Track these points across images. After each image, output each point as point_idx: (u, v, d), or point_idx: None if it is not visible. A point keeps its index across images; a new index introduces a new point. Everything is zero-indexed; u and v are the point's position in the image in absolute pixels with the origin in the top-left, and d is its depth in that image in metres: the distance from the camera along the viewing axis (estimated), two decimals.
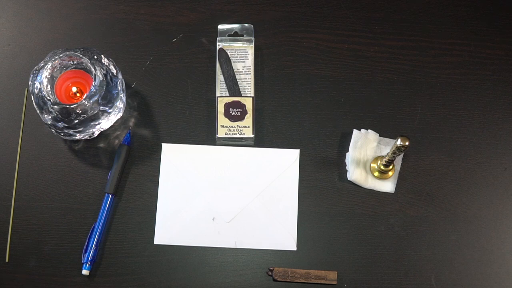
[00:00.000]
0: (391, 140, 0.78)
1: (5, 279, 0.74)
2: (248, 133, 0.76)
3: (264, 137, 0.79)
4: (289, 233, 0.75)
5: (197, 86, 0.80)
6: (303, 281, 0.73)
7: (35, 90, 0.71)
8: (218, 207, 0.76)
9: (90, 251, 0.73)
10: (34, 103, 0.71)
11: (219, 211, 0.76)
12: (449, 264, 0.75)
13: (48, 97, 0.70)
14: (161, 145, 0.78)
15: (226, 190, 0.76)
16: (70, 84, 0.74)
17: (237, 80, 0.79)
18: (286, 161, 0.77)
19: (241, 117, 0.77)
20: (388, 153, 0.72)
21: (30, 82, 0.71)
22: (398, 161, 0.78)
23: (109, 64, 0.73)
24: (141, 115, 0.79)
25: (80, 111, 0.70)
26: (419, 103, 0.80)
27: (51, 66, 0.72)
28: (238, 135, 0.76)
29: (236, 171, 0.77)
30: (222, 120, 0.77)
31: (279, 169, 0.77)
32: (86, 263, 0.73)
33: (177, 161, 0.77)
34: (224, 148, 0.78)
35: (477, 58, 0.82)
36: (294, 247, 0.75)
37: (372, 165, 0.77)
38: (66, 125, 0.71)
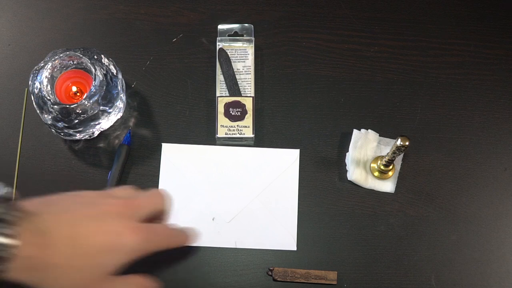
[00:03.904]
0: (391, 140, 0.78)
1: None
2: (248, 133, 0.77)
3: (264, 137, 0.79)
4: (289, 233, 0.75)
5: (197, 86, 0.80)
6: (303, 281, 0.73)
7: (35, 90, 0.71)
8: (218, 207, 0.76)
9: None
10: (34, 103, 0.71)
11: (219, 211, 0.76)
12: (449, 264, 0.75)
13: (48, 97, 0.70)
14: (161, 145, 0.78)
15: (226, 190, 0.76)
16: (70, 84, 0.74)
17: (237, 80, 0.79)
18: (286, 161, 0.77)
19: (241, 117, 0.77)
20: (388, 153, 0.72)
21: (30, 82, 0.71)
22: (398, 161, 0.78)
23: (109, 64, 0.73)
24: (141, 115, 0.79)
25: (80, 111, 0.70)
26: (419, 103, 0.80)
27: (51, 66, 0.72)
28: (238, 135, 0.76)
29: (236, 171, 0.77)
30: (222, 120, 0.77)
31: (279, 169, 0.77)
32: None
33: (177, 161, 0.77)
34: (224, 148, 0.78)
35: (477, 58, 0.82)
36: (294, 247, 0.75)
37: (372, 165, 0.77)
38: (66, 125, 0.71)
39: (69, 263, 0.53)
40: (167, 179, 0.77)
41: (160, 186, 0.76)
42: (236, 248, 0.75)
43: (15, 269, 0.50)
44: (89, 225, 0.55)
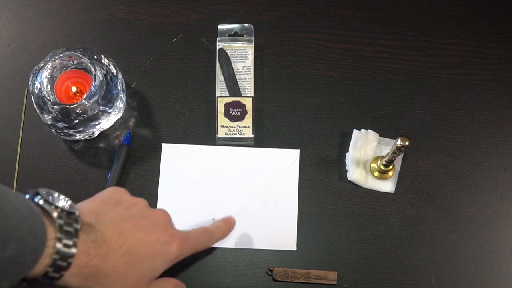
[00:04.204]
0: (391, 140, 0.78)
1: None
2: (248, 133, 0.77)
3: (264, 137, 0.79)
4: (289, 233, 0.75)
5: (197, 86, 0.80)
6: (303, 281, 0.73)
7: (35, 90, 0.71)
8: (218, 207, 0.76)
9: None
10: (34, 103, 0.71)
11: (219, 211, 0.75)
12: (449, 264, 0.75)
13: (48, 97, 0.70)
14: (161, 145, 0.78)
15: (226, 190, 0.76)
16: (70, 84, 0.74)
17: (237, 80, 0.79)
18: (286, 161, 0.77)
19: (241, 117, 0.77)
20: (388, 153, 0.72)
21: (30, 82, 0.71)
22: (398, 161, 0.78)
23: (109, 64, 0.73)
24: (141, 115, 0.79)
25: (80, 111, 0.70)
26: (419, 103, 0.80)
27: (51, 66, 0.72)
28: (238, 135, 0.76)
29: (236, 171, 0.77)
30: (222, 120, 0.77)
31: (279, 169, 0.77)
32: None
33: (177, 161, 0.77)
34: (224, 148, 0.78)
35: (477, 58, 0.82)
36: (294, 247, 0.75)
37: (372, 165, 0.77)
38: (66, 125, 0.71)
39: (121, 270, 0.57)
40: (167, 179, 0.77)
41: (160, 187, 0.76)
42: (236, 248, 0.75)
43: (70, 276, 0.53)
44: (139, 235, 0.59)
